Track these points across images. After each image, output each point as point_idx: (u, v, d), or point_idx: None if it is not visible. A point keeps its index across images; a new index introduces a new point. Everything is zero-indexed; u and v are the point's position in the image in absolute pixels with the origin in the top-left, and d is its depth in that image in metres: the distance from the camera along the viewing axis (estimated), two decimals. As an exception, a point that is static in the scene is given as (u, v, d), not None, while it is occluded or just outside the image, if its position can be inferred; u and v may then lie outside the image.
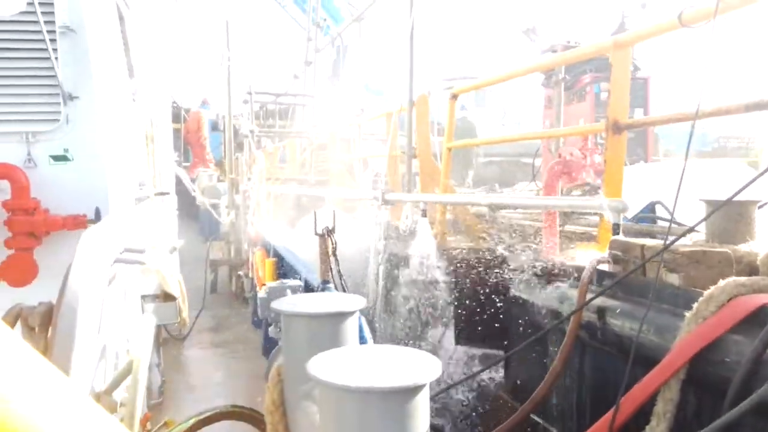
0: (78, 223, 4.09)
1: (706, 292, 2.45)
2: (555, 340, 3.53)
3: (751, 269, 2.75)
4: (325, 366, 1.76)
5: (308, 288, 4.58)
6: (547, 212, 4.30)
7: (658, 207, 4.22)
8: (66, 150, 4.19)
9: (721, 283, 2.44)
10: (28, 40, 4.02)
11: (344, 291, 4.47)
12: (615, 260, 3.34)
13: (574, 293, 3.49)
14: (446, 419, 4.44)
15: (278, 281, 4.47)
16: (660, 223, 4.02)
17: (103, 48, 4.35)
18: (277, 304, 2.46)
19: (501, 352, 4.50)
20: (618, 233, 3.42)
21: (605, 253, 3.45)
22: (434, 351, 5.03)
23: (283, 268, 6.39)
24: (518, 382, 4.16)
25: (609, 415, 2.57)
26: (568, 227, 4.91)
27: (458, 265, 4.70)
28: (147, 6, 7.47)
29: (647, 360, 2.61)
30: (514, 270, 4.24)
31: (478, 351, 4.83)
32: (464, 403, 4.46)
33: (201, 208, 13.18)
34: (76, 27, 4.11)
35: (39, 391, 0.70)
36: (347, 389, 1.62)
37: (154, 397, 5.62)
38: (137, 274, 4.63)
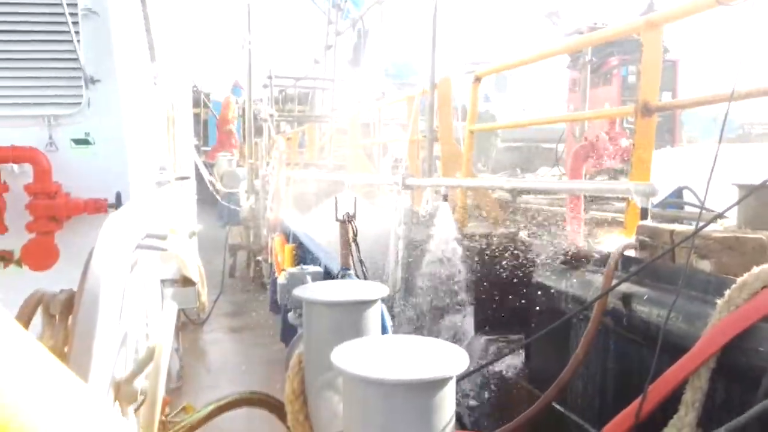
0: (99, 207, 4.08)
1: (739, 279, 2.38)
2: (578, 326, 3.47)
3: (786, 256, 2.66)
4: (349, 356, 1.72)
5: (328, 274, 4.53)
6: (571, 197, 4.22)
7: (685, 192, 4.11)
8: (87, 134, 4.17)
9: (756, 270, 2.37)
10: (50, 23, 4.00)
11: (365, 278, 4.43)
12: (642, 246, 3.27)
13: (599, 279, 3.42)
14: (465, 407, 4.39)
15: (298, 267, 4.44)
16: (688, 208, 3.92)
17: (125, 31, 4.32)
18: (299, 291, 2.42)
19: (523, 338, 4.46)
20: (646, 218, 3.35)
21: (632, 239, 3.38)
22: (455, 337, 4.99)
23: (302, 254, 6.36)
24: (540, 369, 4.11)
25: (636, 403, 2.51)
26: (593, 212, 4.82)
27: (480, 250, 4.64)
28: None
29: (674, 348, 2.55)
30: (537, 256, 4.18)
31: (499, 337, 4.79)
32: (484, 391, 4.41)
33: (220, 193, 13.19)
34: (99, 10, 4.08)
35: (49, 399, 0.66)
36: (373, 381, 1.58)
37: (173, 382, 5.64)
38: (157, 258, 4.63)
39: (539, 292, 4.11)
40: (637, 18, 3.80)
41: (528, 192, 5.94)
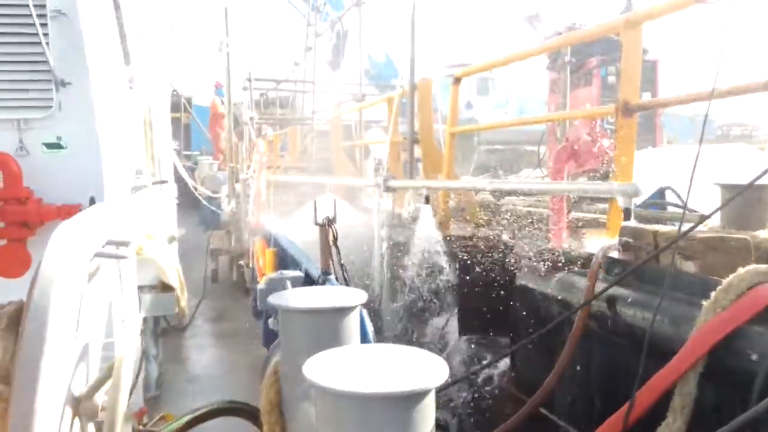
0: (72, 212, 3.97)
1: (724, 281, 2.34)
2: (563, 330, 3.41)
3: (771, 256, 2.62)
4: (322, 367, 1.64)
5: (309, 279, 4.46)
6: (554, 198, 4.17)
7: (667, 193, 4.08)
8: (59, 138, 4.08)
9: (741, 270, 2.33)
10: (17, 24, 3.90)
11: (346, 282, 4.36)
12: (625, 247, 3.22)
13: (582, 282, 3.37)
14: (451, 413, 4.33)
15: (278, 272, 4.36)
16: (670, 209, 3.89)
17: (96, 33, 4.23)
18: (274, 299, 2.34)
19: (507, 340, 4.40)
20: (629, 219, 3.30)
21: (615, 240, 3.33)
22: (439, 340, 4.93)
23: (283, 258, 6.28)
24: (526, 374, 4.05)
25: (623, 410, 2.46)
26: (575, 214, 4.78)
27: (462, 253, 4.58)
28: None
29: (661, 351, 2.50)
30: (520, 258, 4.12)
31: (484, 339, 4.74)
32: (470, 396, 4.35)
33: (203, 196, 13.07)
34: (68, 11, 3.99)
35: None
36: (347, 395, 1.50)
37: (151, 390, 5.52)
38: (131, 265, 4.53)
39: (523, 295, 4.05)
40: (616, 17, 3.76)
41: (511, 194, 5.89)
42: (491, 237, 4.58)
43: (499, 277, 4.27)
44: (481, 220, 5.39)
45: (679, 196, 3.75)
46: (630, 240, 3.18)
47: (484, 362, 4.26)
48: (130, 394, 4.15)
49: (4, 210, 3.83)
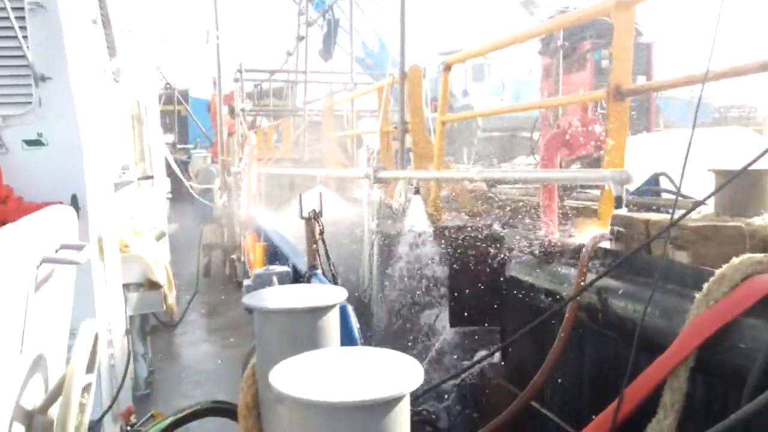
0: (53, 211, 3.89)
1: (717, 271, 2.24)
2: (554, 322, 3.33)
3: (766, 244, 2.53)
4: (292, 374, 1.56)
5: (296, 274, 4.38)
6: (545, 187, 4.06)
7: (662, 179, 3.99)
8: (40, 134, 3.99)
9: (735, 260, 2.24)
10: None
11: (333, 276, 4.27)
12: (617, 237, 3.13)
13: (573, 273, 3.28)
14: (442, 406, 4.26)
15: (264, 268, 4.29)
16: (665, 195, 3.79)
17: (78, 26, 4.13)
18: (249, 299, 2.26)
19: (498, 332, 4.33)
20: (620, 207, 3.21)
21: (607, 230, 3.24)
22: (430, 333, 4.85)
23: (273, 252, 6.20)
24: (517, 366, 3.97)
25: (612, 406, 2.37)
26: (568, 202, 4.68)
27: (453, 244, 4.49)
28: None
29: (653, 345, 2.42)
30: (511, 249, 4.03)
31: (475, 330, 4.66)
32: (461, 390, 4.27)
33: (196, 190, 12.98)
34: (47, 4, 3.88)
35: None
36: (314, 404, 1.41)
37: (140, 389, 5.45)
38: (116, 263, 4.44)
39: (513, 286, 3.97)
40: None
41: (503, 182, 5.79)
42: (483, 227, 4.49)
43: (489, 269, 4.18)
44: (473, 210, 5.30)
45: (673, 182, 3.65)
46: (621, 229, 3.09)
47: (474, 360, 4.18)
48: (117, 394, 4.09)
49: (-17, 209, 3.74)
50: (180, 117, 21.49)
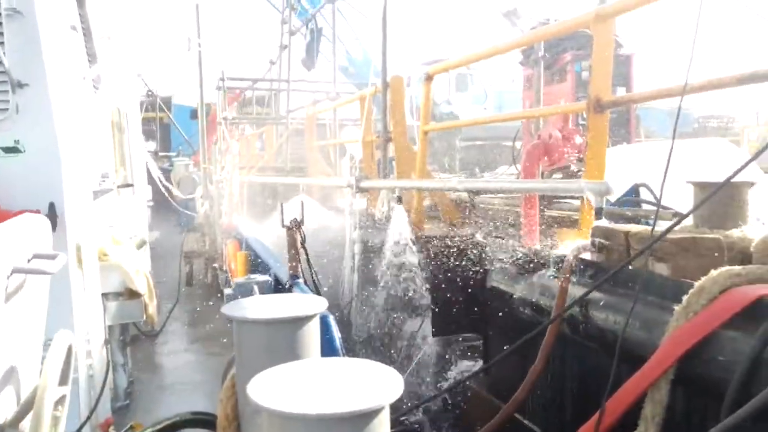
0: (30, 219, 3.83)
1: (697, 284, 2.25)
2: (536, 335, 3.33)
3: (744, 257, 2.55)
4: (269, 385, 1.54)
5: (278, 283, 4.35)
6: (526, 197, 4.08)
7: (642, 190, 4.01)
8: (17, 141, 3.93)
9: (713, 273, 2.25)
10: None
11: (315, 285, 4.25)
12: (598, 248, 3.14)
13: (554, 283, 3.29)
14: (425, 418, 4.24)
15: (245, 277, 4.25)
16: (645, 206, 3.81)
17: (55, 32, 4.08)
18: (229, 309, 2.23)
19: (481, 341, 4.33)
20: (600, 218, 3.22)
21: (587, 241, 3.25)
22: (412, 342, 4.84)
23: (255, 261, 6.16)
24: (500, 379, 3.97)
25: (594, 418, 2.37)
26: (549, 212, 4.70)
27: (435, 253, 4.49)
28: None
29: (634, 357, 2.42)
30: (492, 259, 4.04)
31: (458, 338, 4.67)
32: (444, 403, 4.26)
33: (176, 199, 12.87)
34: (24, 10, 3.84)
35: None
36: (291, 416, 1.40)
37: (120, 400, 5.36)
38: (95, 272, 4.38)
39: (495, 297, 3.97)
40: (586, 10, 3.66)
41: (485, 192, 5.80)
42: (464, 237, 4.49)
43: (472, 278, 4.18)
44: (455, 220, 5.30)
45: (653, 193, 3.68)
46: (602, 240, 3.10)
47: (459, 379, 4.17)
48: (96, 405, 4.03)
49: (-42, 217, 3.68)
50: (162, 124, 21.36)
